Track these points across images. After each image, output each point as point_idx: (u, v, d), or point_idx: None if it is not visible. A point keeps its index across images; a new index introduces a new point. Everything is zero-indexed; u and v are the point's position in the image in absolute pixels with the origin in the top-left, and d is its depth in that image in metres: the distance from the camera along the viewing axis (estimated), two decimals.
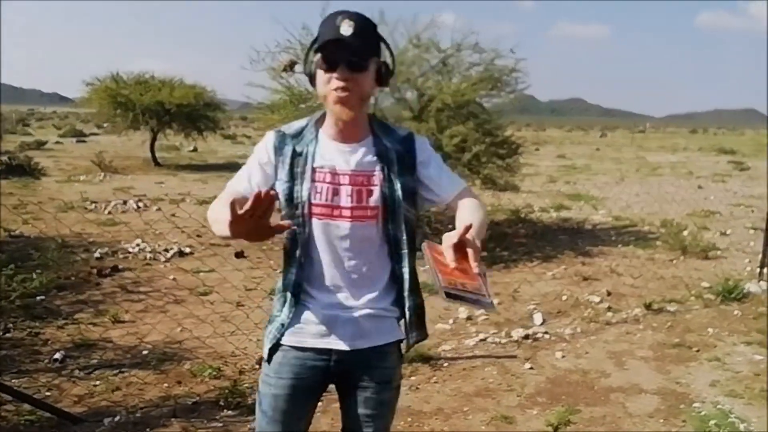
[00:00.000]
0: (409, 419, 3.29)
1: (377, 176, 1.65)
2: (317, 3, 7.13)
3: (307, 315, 1.68)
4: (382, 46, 1.67)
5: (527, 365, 4.04)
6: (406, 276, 1.71)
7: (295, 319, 1.68)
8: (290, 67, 6.80)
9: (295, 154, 1.66)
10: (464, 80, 7.01)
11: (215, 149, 21.38)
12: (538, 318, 4.92)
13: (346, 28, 1.53)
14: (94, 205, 9.80)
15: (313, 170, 1.64)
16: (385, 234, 1.68)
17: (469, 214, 1.65)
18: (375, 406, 1.72)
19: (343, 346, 1.66)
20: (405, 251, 1.70)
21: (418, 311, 1.75)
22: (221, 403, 3.35)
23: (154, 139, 17.52)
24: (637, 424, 3.31)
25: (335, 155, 1.66)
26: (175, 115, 16.62)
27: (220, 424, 3.16)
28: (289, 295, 1.68)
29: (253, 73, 7.17)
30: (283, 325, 1.68)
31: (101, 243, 7.00)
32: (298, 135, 1.69)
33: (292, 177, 1.65)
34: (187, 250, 6.88)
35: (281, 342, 1.69)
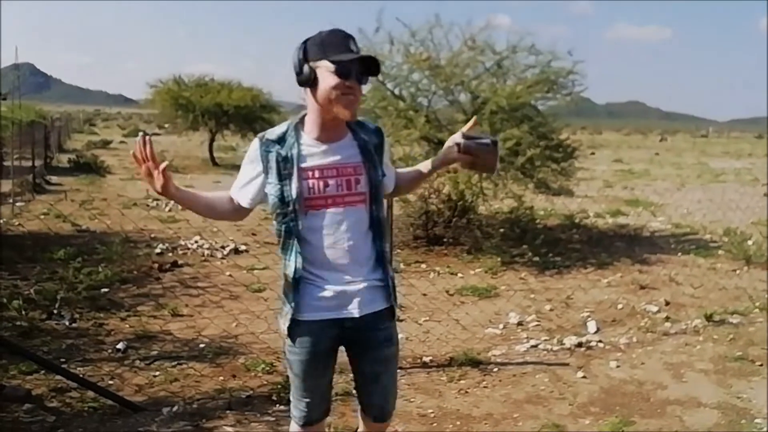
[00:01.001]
0: (458, 423, 3.29)
1: (362, 166, 1.93)
2: (371, 5, 7.21)
3: (318, 293, 1.94)
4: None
5: (580, 374, 3.96)
6: (387, 251, 2.02)
7: (308, 297, 1.94)
8: None
9: (281, 158, 1.89)
10: (519, 83, 6.94)
11: None
12: (592, 326, 4.81)
13: (354, 46, 1.84)
14: (156, 202, 10.16)
15: (301, 170, 1.89)
16: (370, 215, 1.95)
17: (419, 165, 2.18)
18: (383, 361, 2.07)
19: (353, 314, 1.94)
20: (386, 229, 2.02)
21: (393, 281, 2.08)
22: (274, 398, 3.42)
23: (212, 140, 18.04)
24: None
25: (321, 154, 1.91)
26: (233, 116, 17.07)
27: (273, 419, 3.22)
28: (297, 279, 1.93)
29: None
30: (297, 304, 1.94)
31: (162, 239, 7.26)
32: (281, 140, 1.92)
33: (281, 179, 1.89)
34: (243, 247, 7.05)
35: (299, 319, 1.95)
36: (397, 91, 7.25)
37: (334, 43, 1.82)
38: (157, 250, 6.76)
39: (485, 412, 3.42)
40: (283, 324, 2.00)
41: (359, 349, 2.05)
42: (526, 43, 6.91)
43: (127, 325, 4.50)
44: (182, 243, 7.09)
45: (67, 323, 4.45)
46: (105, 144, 22.74)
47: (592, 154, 19.04)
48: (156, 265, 6.05)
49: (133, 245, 6.89)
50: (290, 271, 1.93)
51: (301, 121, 1.95)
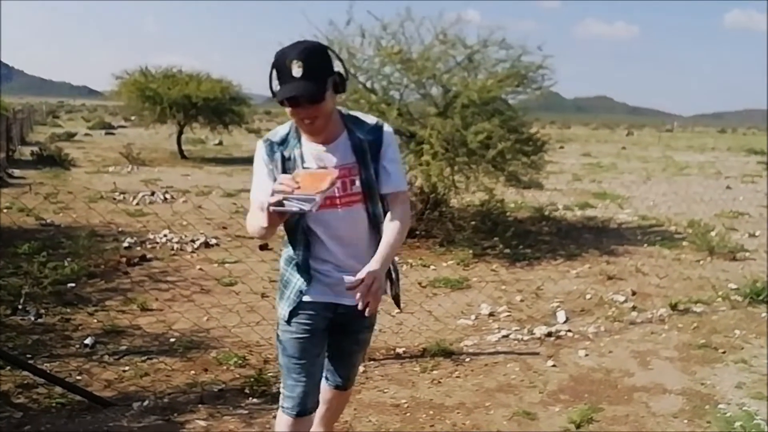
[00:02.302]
0: (431, 412, 3.31)
1: (355, 167, 2.00)
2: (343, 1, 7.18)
3: (320, 279, 2.08)
4: (333, 60, 1.93)
5: (550, 363, 4.03)
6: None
7: (310, 284, 2.08)
8: None
9: (285, 159, 2.00)
10: (490, 77, 6.99)
11: (240, 143, 21.55)
12: (561, 316, 4.90)
13: (297, 70, 1.82)
14: (122, 195, 9.98)
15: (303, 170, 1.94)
16: (367, 212, 2.05)
17: (382, 244, 2.00)
18: (360, 342, 2.31)
19: (348, 301, 2.01)
20: (381, 221, 2.07)
21: (395, 272, 2.22)
22: (246, 391, 3.41)
23: (180, 133, 17.76)
24: (661, 424, 3.28)
25: (319, 155, 1.99)
26: (202, 108, 16.81)
27: (246, 412, 3.21)
28: (301, 267, 2.08)
29: None
30: (301, 291, 2.08)
31: (130, 233, 7.14)
32: (283, 142, 2.02)
33: None
34: (213, 241, 6.97)
35: (302, 300, 2.08)
36: (369, 84, 7.24)
37: (281, 71, 1.86)
38: (125, 244, 6.65)
39: (458, 401, 3.46)
40: (285, 306, 2.11)
41: (343, 330, 2.20)
42: (497, 37, 6.97)
43: (95, 320, 4.41)
44: (151, 237, 6.98)
45: (32, 318, 4.35)
46: (69, 136, 22.20)
47: (561, 147, 19.28)
48: (124, 259, 5.95)
49: (100, 239, 6.76)
50: (290, 258, 2.10)
51: None
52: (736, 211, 10.23)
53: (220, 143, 21.70)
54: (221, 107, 17.15)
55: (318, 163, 1.98)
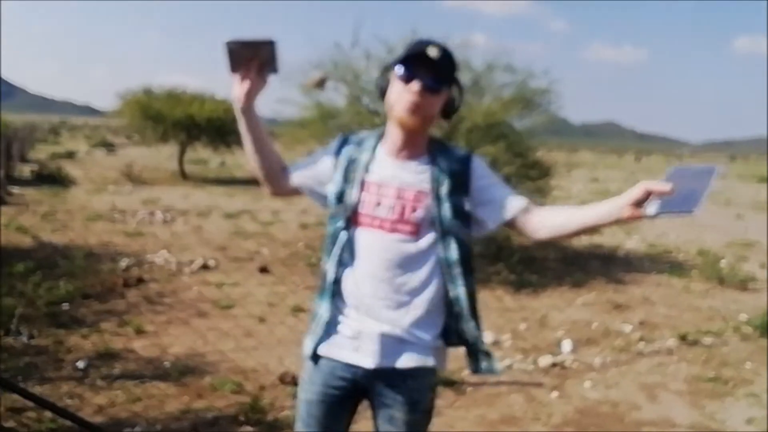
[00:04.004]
0: None
1: (426, 194, 1.69)
2: (349, 22, 7.19)
3: (340, 322, 1.72)
4: (455, 84, 1.73)
5: (554, 394, 3.91)
6: (462, 297, 1.71)
7: (330, 325, 1.72)
8: (321, 83, 6.83)
9: (351, 160, 1.74)
10: (496, 100, 6.96)
11: (242, 164, 21.57)
12: (566, 346, 4.78)
13: (433, 52, 1.62)
14: (122, 215, 9.91)
15: (363, 180, 1.71)
16: (432, 253, 1.69)
17: (584, 207, 1.65)
18: (401, 425, 1.72)
19: (367, 363, 1.68)
20: (458, 272, 1.69)
21: (479, 339, 1.78)
22: (241, 418, 3.30)
23: (182, 152, 17.76)
24: None
25: (388, 170, 1.72)
26: (204, 129, 16.82)
27: None
28: (328, 293, 1.72)
29: (282, 90, 7.22)
30: (327, 323, 1.72)
31: (128, 253, 7.04)
32: (360, 142, 1.78)
33: (346, 180, 1.72)
34: (212, 263, 6.87)
35: (318, 352, 1.74)
36: (372, 107, 7.21)
37: (411, 47, 1.67)
38: (122, 265, 6.55)
39: None
40: (309, 340, 1.77)
41: (376, 403, 1.75)
42: (502, 61, 6.96)
43: (89, 343, 4.30)
44: (148, 258, 6.89)
45: (25, 340, 4.24)
46: (70, 155, 22.23)
47: (568, 173, 19.25)
48: (120, 281, 5.84)
49: (97, 259, 6.67)
50: (329, 278, 1.73)
51: (384, 133, 1.77)
52: (746, 240, 10.12)
53: (222, 164, 21.71)
54: (224, 127, 17.17)
55: (379, 177, 1.71)
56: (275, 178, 1.84)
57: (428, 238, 1.69)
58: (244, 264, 6.76)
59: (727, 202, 17.40)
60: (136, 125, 17.78)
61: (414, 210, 1.68)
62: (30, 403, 3.14)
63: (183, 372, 3.89)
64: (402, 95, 1.64)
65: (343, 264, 1.71)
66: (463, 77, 7.02)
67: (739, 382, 4.24)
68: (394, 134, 1.72)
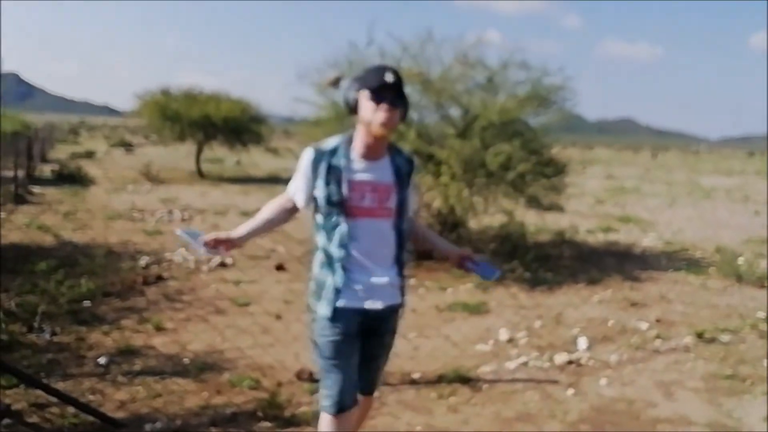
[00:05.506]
0: None
1: (394, 186, 2.32)
2: (364, 22, 7.22)
3: (352, 284, 2.29)
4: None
5: (570, 391, 3.91)
6: (403, 257, 2.40)
7: (345, 287, 2.28)
8: (336, 82, 6.88)
9: (331, 167, 2.26)
10: (510, 98, 6.95)
11: (258, 162, 21.71)
12: (582, 343, 4.77)
13: (390, 77, 2.20)
14: (141, 214, 10.03)
15: (348, 180, 2.25)
16: (397, 228, 2.34)
17: (438, 237, 2.74)
18: (385, 346, 2.49)
19: (379, 306, 2.32)
20: (405, 240, 2.39)
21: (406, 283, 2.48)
22: (259, 414, 3.34)
23: (199, 152, 17.92)
24: None
25: (363, 170, 2.29)
26: (221, 128, 16.97)
27: None
28: (338, 267, 2.27)
29: (298, 89, 7.28)
30: (338, 290, 2.28)
31: (147, 252, 7.14)
32: (333, 151, 2.29)
33: (328, 183, 2.25)
34: (229, 261, 6.94)
35: (337, 305, 2.27)
36: None
37: (372, 75, 2.23)
38: (142, 263, 6.65)
39: (475, 429, 3.36)
40: (325, 305, 2.29)
41: (371, 334, 2.38)
42: (517, 58, 6.94)
43: (110, 340, 4.38)
44: (167, 256, 6.98)
45: (47, 337, 4.33)
46: (89, 155, 22.52)
47: (584, 170, 19.13)
48: (140, 279, 5.94)
49: (117, 258, 6.77)
50: (326, 259, 2.29)
51: (351, 139, 2.30)
52: (765, 237, 9.98)
53: (238, 162, 21.87)
54: (240, 127, 17.30)
55: (360, 176, 2.26)
56: (292, 215, 2.41)
57: (396, 218, 2.33)
58: (261, 262, 6.83)
59: (745, 198, 17.19)
60: (154, 125, 17.99)
61: (388, 198, 2.31)
62: (53, 399, 3.22)
63: (202, 368, 3.95)
64: (376, 114, 2.19)
65: (346, 245, 2.26)
66: (479, 75, 7.04)
67: (757, 379, 4.20)
68: (366, 141, 2.27)
